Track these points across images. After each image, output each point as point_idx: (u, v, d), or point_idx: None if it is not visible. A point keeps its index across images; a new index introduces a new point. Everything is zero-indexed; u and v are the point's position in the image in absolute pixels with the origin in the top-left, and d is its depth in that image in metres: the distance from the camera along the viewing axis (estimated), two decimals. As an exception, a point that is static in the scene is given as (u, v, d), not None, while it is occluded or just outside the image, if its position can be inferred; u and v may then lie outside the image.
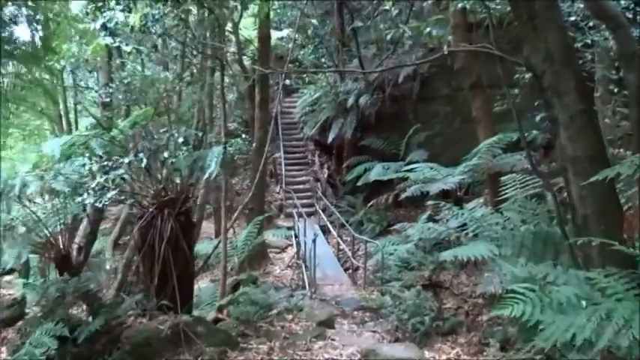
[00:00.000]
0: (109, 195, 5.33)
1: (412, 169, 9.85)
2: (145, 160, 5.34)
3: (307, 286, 10.88)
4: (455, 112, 15.29)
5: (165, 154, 5.45)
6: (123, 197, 6.01)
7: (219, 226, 14.75)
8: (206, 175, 5.20)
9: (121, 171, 5.30)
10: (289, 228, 16.19)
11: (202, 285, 13.61)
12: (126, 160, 5.38)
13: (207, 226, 18.59)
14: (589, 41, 8.80)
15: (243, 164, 19.47)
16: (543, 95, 4.11)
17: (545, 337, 3.56)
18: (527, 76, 9.99)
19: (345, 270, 12.53)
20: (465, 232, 6.50)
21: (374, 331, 7.32)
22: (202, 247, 13.85)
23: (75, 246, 8.88)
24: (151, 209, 5.52)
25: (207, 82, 7.39)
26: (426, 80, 15.82)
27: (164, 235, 5.37)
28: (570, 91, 3.91)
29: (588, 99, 4.61)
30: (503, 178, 6.70)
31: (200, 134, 6.19)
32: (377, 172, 13.64)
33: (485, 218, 6.35)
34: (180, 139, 5.52)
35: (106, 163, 5.41)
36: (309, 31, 18.78)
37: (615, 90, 8.68)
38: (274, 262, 15.00)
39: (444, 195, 10.01)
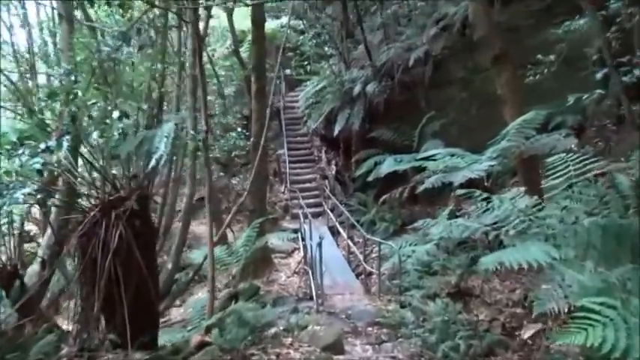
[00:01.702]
0: (18, 194, 3.98)
1: (430, 156, 8.44)
2: (65, 145, 3.97)
3: (314, 297, 9.52)
4: (472, 97, 13.84)
5: (95, 135, 4.09)
6: (41, 196, 4.65)
7: (218, 229, 13.47)
8: (153, 162, 3.86)
9: (37, 159, 3.95)
10: (295, 230, 14.90)
11: (201, 296, 12.36)
12: (42, 146, 4.01)
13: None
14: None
15: (244, 163, 18.16)
16: None
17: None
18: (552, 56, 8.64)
19: (357, 275, 11.15)
20: (505, 228, 5.11)
21: (393, 358, 5.91)
22: (198, 254, 12.59)
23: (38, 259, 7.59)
24: (93, 212, 4.19)
25: (159, 43, 5.96)
26: (439, 63, 14.36)
27: (110, 246, 4.04)
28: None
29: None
30: (550, 159, 5.29)
31: (154, 110, 4.82)
32: (389, 165, 12.20)
33: (533, 210, 4.95)
34: (116, 114, 4.13)
35: (21, 151, 4.06)
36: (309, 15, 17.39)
37: None
38: (279, 269, 13.66)
39: (467, 186, 8.63)
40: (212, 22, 22.13)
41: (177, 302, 14.55)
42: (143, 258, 4.23)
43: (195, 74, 6.91)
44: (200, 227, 17.04)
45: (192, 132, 6.80)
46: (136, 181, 4.34)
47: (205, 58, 17.85)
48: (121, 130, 4.04)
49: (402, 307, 7.78)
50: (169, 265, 8.72)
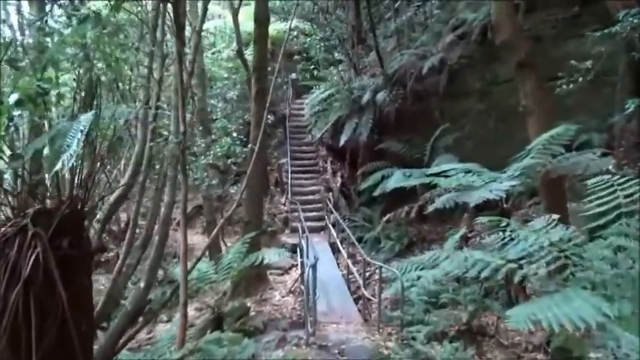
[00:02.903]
0: None
1: (443, 172, 7.45)
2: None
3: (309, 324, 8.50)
4: (489, 110, 12.91)
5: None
6: None
7: (212, 241, 12.52)
8: (59, 165, 2.92)
9: None
10: (294, 245, 13.94)
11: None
12: None
13: (205, 241, 16.45)
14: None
15: (244, 170, 17.25)
16: None
17: None
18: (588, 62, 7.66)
19: (357, 299, 10.11)
20: (534, 265, 4.09)
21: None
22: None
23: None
24: (3, 229, 3.26)
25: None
26: (455, 73, 13.42)
27: (22, 273, 3.10)
28: None
29: None
30: (591, 182, 4.30)
31: (86, 98, 3.88)
32: (397, 179, 11.21)
33: (570, 245, 3.92)
34: (13, 98, 3.17)
35: None
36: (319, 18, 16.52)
37: None
38: (274, 287, 12.67)
39: (482, 207, 7.63)
40: (219, 23, 21.44)
41: (165, 318, 13.63)
42: (69, 289, 3.27)
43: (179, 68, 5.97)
44: (194, 237, 16.12)
45: (167, 133, 5.84)
46: (73, 190, 3.40)
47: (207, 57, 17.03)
48: (13, 122, 3.09)
49: (403, 341, 6.77)
50: (142, 284, 7.76)
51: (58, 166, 2.74)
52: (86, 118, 2.75)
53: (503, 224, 4.69)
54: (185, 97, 5.70)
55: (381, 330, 7.67)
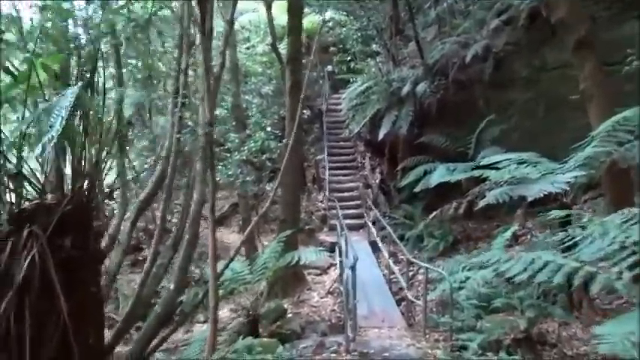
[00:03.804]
0: None
1: (492, 164, 6.81)
2: None
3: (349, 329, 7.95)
4: (538, 99, 12.11)
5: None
6: None
7: (248, 240, 12.11)
8: (39, 149, 2.48)
9: None
10: (333, 243, 13.42)
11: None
12: None
13: (240, 239, 16.12)
14: None
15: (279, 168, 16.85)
16: None
17: None
18: None
19: (399, 301, 9.52)
20: (616, 269, 3.45)
21: None
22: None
23: None
24: (-3, 227, 2.85)
25: None
26: (500, 60, 12.63)
27: (15, 279, 2.68)
28: None
29: None
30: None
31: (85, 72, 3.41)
32: (440, 174, 10.58)
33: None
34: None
35: None
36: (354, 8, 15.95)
37: None
38: (312, 287, 12.22)
39: (535, 202, 6.93)
40: (253, 17, 21.10)
41: (202, 318, 13.30)
42: (72, 296, 2.84)
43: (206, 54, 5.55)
44: (230, 236, 15.79)
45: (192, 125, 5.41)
46: (78, 182, 2.96)
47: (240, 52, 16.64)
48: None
49: (454, 351, 6.16)
50: (172, 286, 7.38)
51: (38, 151, 2.29)
52: (72, 93, 2.29)
53: (586, 219, 4.04)
54: (210, 86, 5.25)
55: (427, 336, 7.07)
